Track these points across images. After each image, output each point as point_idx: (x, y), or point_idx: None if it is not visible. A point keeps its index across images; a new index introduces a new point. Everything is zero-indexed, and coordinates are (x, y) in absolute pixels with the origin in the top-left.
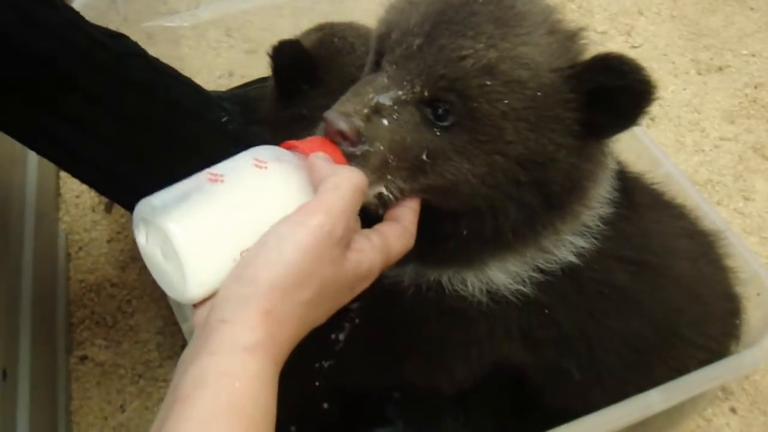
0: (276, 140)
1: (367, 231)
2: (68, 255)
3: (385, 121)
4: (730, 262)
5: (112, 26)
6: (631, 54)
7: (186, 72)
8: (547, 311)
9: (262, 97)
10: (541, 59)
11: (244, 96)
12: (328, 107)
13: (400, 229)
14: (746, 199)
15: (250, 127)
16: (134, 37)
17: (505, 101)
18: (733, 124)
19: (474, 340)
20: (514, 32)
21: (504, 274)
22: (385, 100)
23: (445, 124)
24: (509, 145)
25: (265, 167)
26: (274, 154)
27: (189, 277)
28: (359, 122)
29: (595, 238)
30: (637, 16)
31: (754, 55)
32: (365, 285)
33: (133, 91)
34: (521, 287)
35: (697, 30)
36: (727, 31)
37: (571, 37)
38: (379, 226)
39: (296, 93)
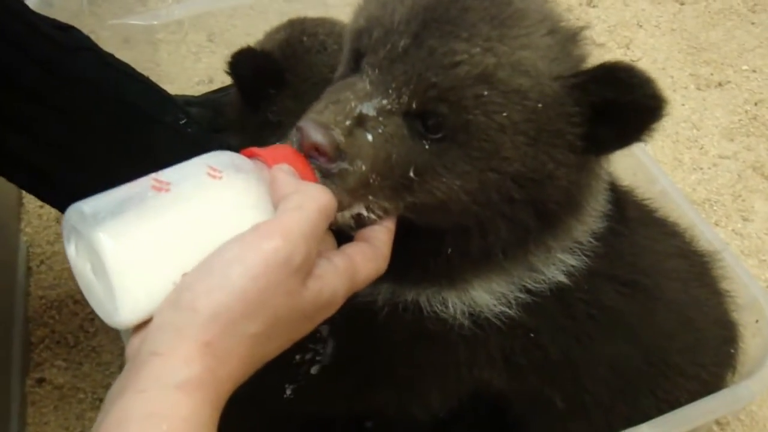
0: (243, 145)
1: (331, 253)
2: (29, 269)
3: (369, 136)
4: (726, 286)
5: (86, 28)
6: None
7: (163, 78)
8: (532, 335)
9: (231, 104)
10: (542, 65)
11: (217, 101)
12: (298, 111)
13: (370, 251)
14: (745, 219)
15: (215, 133)
16: (110, 40)
17: (504, 114)
18: (732, 142)
19: (452, 365)
20: (513, 33)
21: (488, 295)
22: (369, 110)
23: (436, 137)
24: (505, 161)
25: (220, 177)
26: (232, 161)
27: (120, 299)
28: (340, 136)
29: (586, 256)
30: (636, 28)
31: (755, 71)
32: (327, 314)
33: (81, 89)
34: (506, 309)
35: (697, 44)
36: (727, 46)
37: (572, 37)
38: (346, 247)
39: (263, 98)
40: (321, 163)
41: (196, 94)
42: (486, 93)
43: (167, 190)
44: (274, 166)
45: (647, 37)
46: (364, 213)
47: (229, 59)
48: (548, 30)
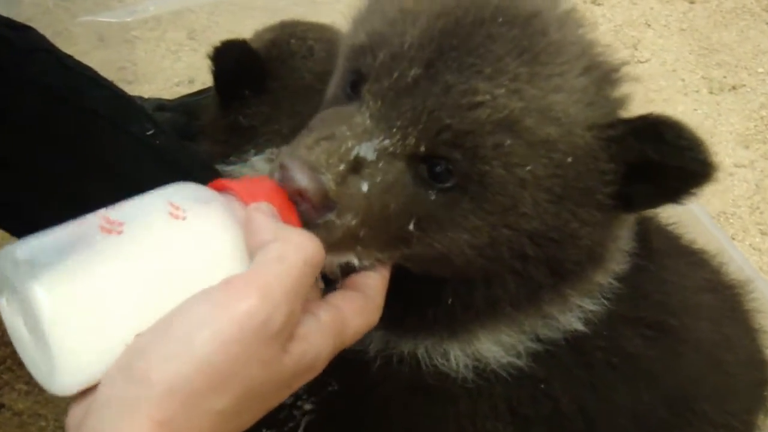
0: (213, 152)
1: (315, 305)
2: None
3: (365, 185)
4: (760, 320)
5: (58, 25)
6: (637, 70)
7: (140, 78)
8: (542, 385)
9: (207, 105)
10: (575, 112)
11: (194, 105)
12: (272, 118)
13: (360, 301)
14: (763, 233)
15: (188, 140)
16: (83, 38)
17: (527, 167)
18: (748, 150)
19: (453, 418)
20: (545, 72)
21: (496, 347)
22: (368, 152)
23: (444, 186)
24: (522, 218)
25: (183, 217)
26: (199, 197)
27: (58, 362)
28: (330, 183)
29: (607, 299)
30: (644, 28)
31: None
32: (308, 378)
33: (36, 94)
34: (515, 360)
35: (709, 45)
36: (741, 47)
37: (610, 76)
38: (333, 297)
39: (236, 99)
40: (304, 209)
41: (176, 95)
42: (508, 142)
43: (119, 233)
44: (252, 204)
45: (656, 38)
46: (355, 261)
47: (214, 49)
48: (585, 67)
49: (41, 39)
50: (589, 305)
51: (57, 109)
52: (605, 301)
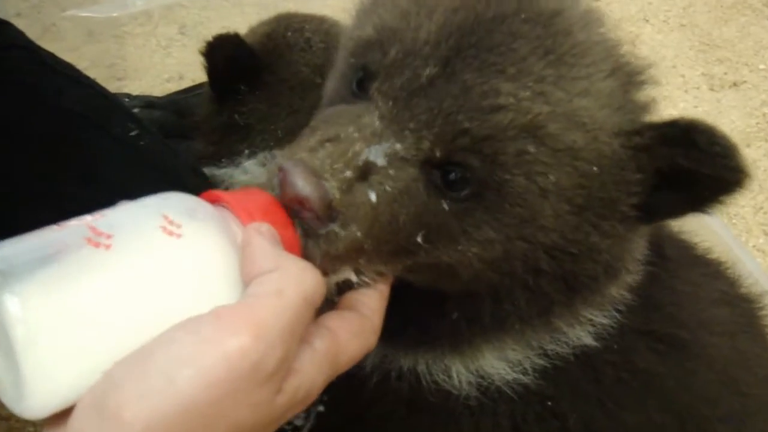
0: (205, 153)
1: (308, 330)
2: None
3: (373, 195)
4: None
5: (46, 20)
6: None
7: (129, 74)
8: (549, 402)
9: (201, 102)
10: (602, 118)
11: (183, 102)
12: (269, 116)
13: (357, 323)
14: (767, 234)
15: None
16: (72, 33)
17: (550, 176)
18: (749, 148)
19: None
20: (572, 74)
21: (501, 363)
22: (377, 157)
23: (458, 195)
24: (540, 231)
25: (179, 234)
26: (194, 211)
27: (28, 383)
28: (335, 192)
29: (619, 311)
30: (642, 23)
31: None
32: (300, 409)
33: (11, 92)
34: (520, 376)
35: (710, 41)
36: (742, 43)
37: (634, 78)
38: (327, 319)
39: (231, 95)
40: (305, 219)
41: (166, 92)
42: (531, 149)
43: (107, 246)
44: (251, 224)
45: (655, 33)
46: (353, 278)
47: (206, 44)
48: (611, 69)
49: (18, 35)
50: (600, 318)
51: (33, 109)
52: (617, 314)
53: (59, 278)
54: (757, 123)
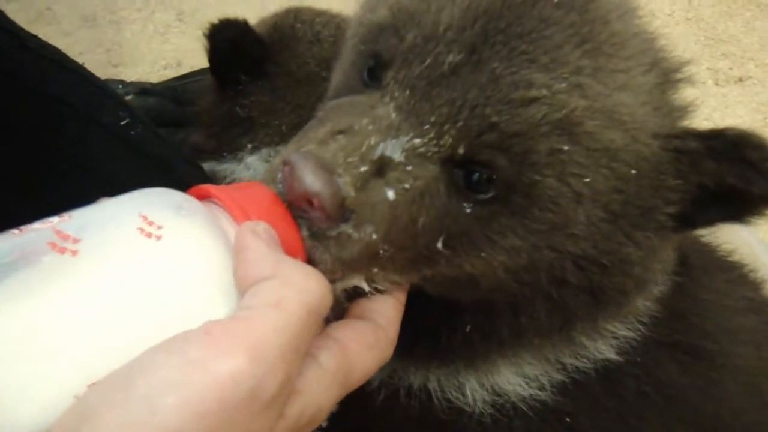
0: (205, 147)
1: (314, 344)
2: None
3: (390, 192)
4: None
5: (41, 4)
6: None
7: (125, 60)
8: (568, 419)
9: (203, 91)
10: (642, 116)
11: (181, 89)
12: (273, 109)
13: (371, 334)
14: None
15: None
16: (68, 17)
17: (585, 179)
18: None
19: None
20: (611, 66)
21: (518, 378)
22: (394, 151)
23: (483, 197)
24: (570, 239)
25: (158, 236)
26: (178, 208)
27: None
28: (348, 189)
29: (642, 323)
30: (648, 17)
31: None
32: None
33: None
34: (537, 392)
35: (715, 35)
36: (748, 38)
37: (672, 76)
38: (336, 330)
39: (233, 85)
40: (313, 219)
41: (163, 79)
42: (566, 148)
43: (73, 252)
44: (246, 223)
45: (660, 27)
46: (365, 287)
47: (210, 26)
48: (650, 64)
49: (2, 18)
50: (623, 331)
51: (16, 96)
52: (640, 326)
53: (19, 291)
54: (764, 118)
